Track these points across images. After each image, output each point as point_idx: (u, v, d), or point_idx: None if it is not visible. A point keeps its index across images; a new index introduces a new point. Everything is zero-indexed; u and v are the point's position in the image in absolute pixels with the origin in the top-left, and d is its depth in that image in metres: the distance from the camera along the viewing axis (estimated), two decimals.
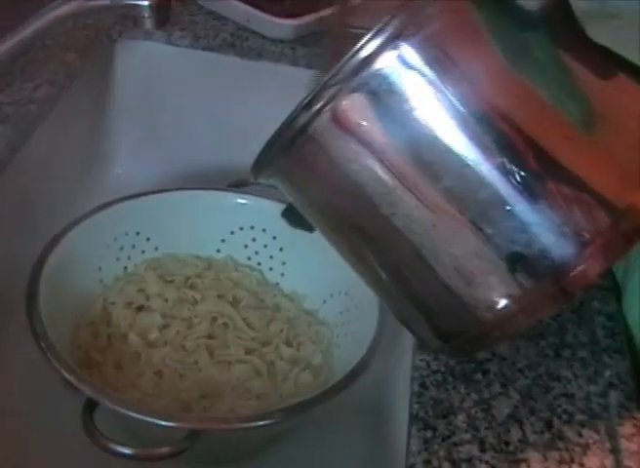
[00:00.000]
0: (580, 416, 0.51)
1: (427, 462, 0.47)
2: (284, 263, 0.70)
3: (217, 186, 0.71)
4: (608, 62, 0.41)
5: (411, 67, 0.39)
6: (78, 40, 0.80)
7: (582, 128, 0.40)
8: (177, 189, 0.71)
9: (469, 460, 0.47)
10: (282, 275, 0.71)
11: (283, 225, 0.69)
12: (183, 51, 0.85)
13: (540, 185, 0.39)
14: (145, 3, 0.72)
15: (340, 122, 0.41)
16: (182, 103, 0.88)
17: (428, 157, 0.40)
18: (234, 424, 0.52)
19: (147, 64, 0.86)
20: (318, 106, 0.41)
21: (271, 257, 0.71)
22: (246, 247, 0.71)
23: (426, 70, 0.39)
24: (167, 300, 0.67)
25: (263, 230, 0.70)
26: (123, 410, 0.51)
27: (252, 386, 0.61)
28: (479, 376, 0.53)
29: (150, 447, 0.51)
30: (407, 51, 0.39)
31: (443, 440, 0.48)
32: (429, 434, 0.48)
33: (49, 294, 0.58)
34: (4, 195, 0.66)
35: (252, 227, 0.70)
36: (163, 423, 0.50)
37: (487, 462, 0.47)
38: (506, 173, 0.39)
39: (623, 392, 0.52)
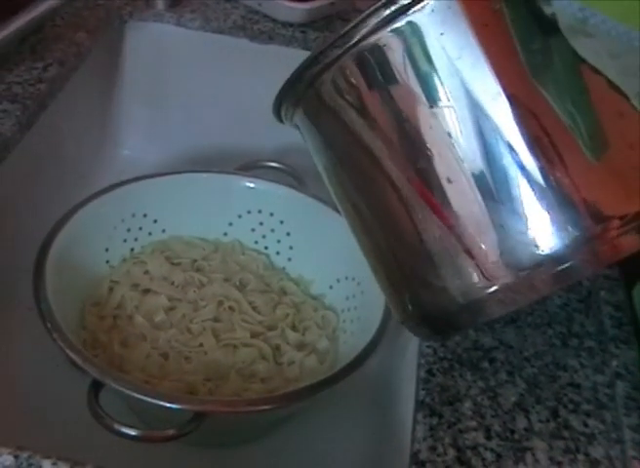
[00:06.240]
0: (586, 406, 0.51)
1: (433, 449, 0.47)
2: (291, 248, 0.70)
3: (225, 169, 0.71)
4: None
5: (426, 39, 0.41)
6: (88, 20, 0.80)
7: (586, 145, 0.39)
8: (185, 172, 0.70)
9: (475, 447, 0.47)
10: (289, 259, 0.71)
11: (290, 210, 0.69)
12: (194, 33, 0.84)
13: (544, 184, 0.39)
14: None
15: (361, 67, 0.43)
16: (192, 86, 0.87)
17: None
18: (239, 407, 0.52)
19: (157, 46, 0.86)
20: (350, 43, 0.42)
21: (278, 242, 0.71)
22: (253, 231, 0.71)
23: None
24: (173, 283, 0.67)
25: (271, 214, 0.70)
26: (128, 392, 0.51)
27: (257, 369, 0.61)
28: (486, 364, 0.53)
29: (155, 428, 0.51)
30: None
31: (449, 427, 0.48)
32: (435, 421, 0.48)
33: (56, 275, 0.58)
34: (12, 175, 0.66)
35: (259, 211, 0.70)
36: (168, 405, 0.50)
37: (492, 450, 0.47)
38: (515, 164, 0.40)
39: (630, 382, 0.52)
